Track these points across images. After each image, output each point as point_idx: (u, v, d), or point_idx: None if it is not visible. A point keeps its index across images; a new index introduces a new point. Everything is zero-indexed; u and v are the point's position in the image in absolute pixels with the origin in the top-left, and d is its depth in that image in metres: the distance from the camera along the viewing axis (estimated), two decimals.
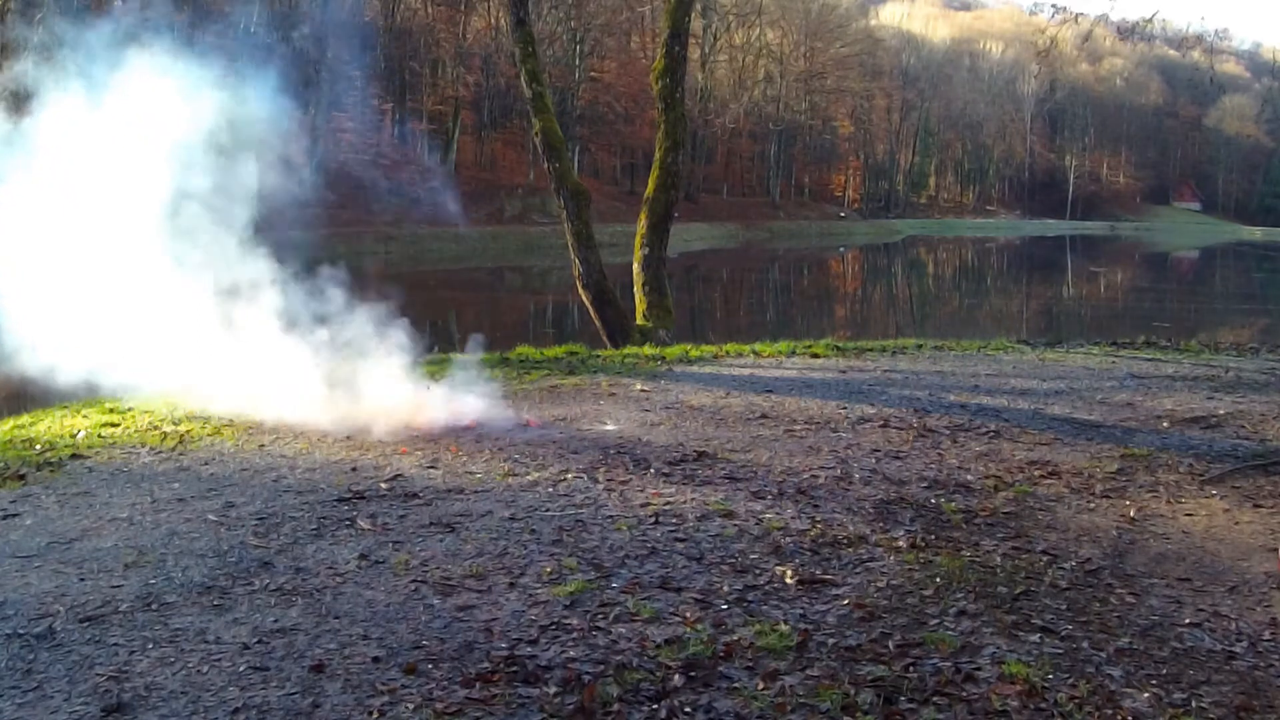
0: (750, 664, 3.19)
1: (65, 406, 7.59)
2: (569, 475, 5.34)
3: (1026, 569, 4.02)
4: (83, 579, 3.92)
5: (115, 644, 3.34)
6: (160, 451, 5.98)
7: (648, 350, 10.30)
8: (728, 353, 10.18)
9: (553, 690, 3.02)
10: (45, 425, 6.81)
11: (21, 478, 5.40)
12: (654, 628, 3.45)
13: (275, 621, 3.51)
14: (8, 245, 6.36)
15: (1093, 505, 4.92)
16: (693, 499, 4.91)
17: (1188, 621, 3.55)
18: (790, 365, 9.41)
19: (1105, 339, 11.79)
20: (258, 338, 6.71)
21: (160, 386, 7.03)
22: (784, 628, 3.43)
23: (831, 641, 3.35)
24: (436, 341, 7.61)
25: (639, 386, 8.01)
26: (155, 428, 6.61)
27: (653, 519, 4.60)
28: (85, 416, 7.04)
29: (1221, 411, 7.14)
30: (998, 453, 5.94)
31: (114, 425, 6.72)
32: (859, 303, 32.25)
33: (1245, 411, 7.17)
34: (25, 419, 7.19)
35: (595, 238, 12.20)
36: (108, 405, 7.41)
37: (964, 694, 3.00)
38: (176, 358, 6.82)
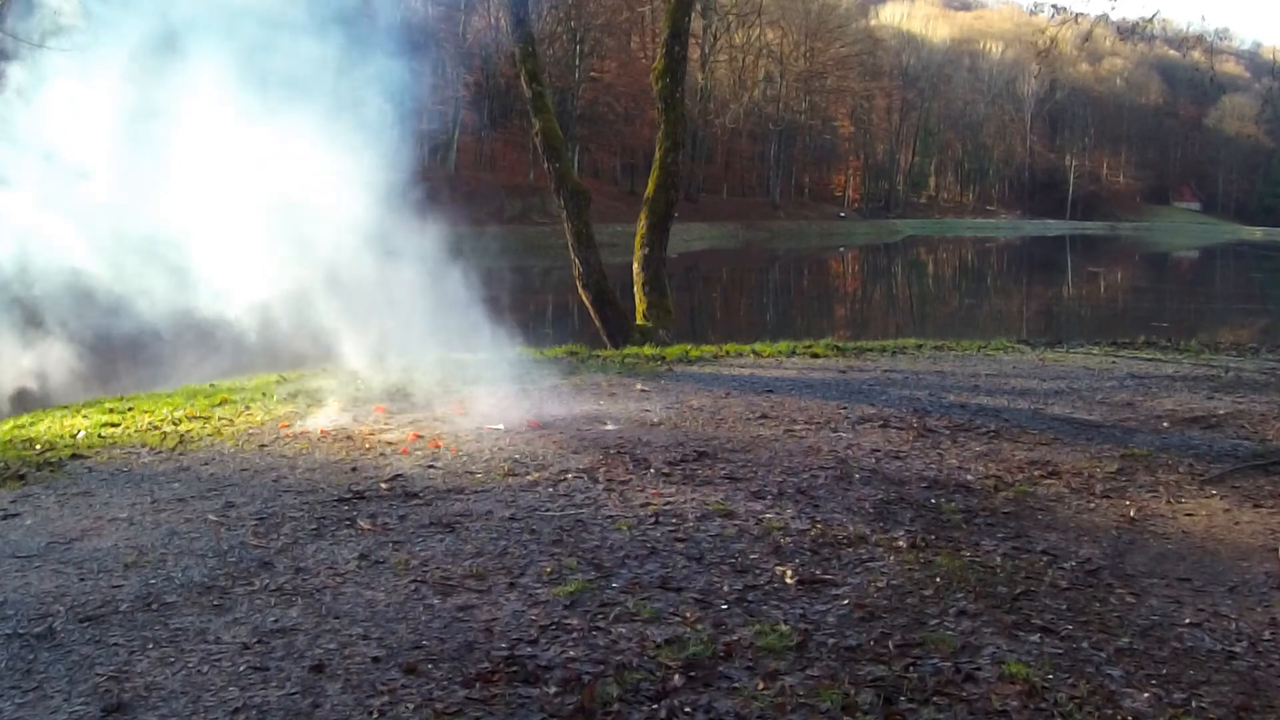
0: (750, 664, 3.19)
1: (65, 406, 7.59)
2: (569, 475, 5.34)
3: (1026, 569, 4.02)
4: (83, 579, 3.92)
5: (115, 644, 3.34)
6: (160, 451, 5.98)
7: (648, 350, 10.30)
8: (728, 353, 10.18)
9: (553, 690, 3.02)
10: (45, 425, 6.81)
11: (21, 478, 5.40)
12: (654, 628, 3.45)
13: (275, 621, 3.51)
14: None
15: (1093, 505, 4.92)
16: (693, 499, 4.91)
17: (1188, 621, 3.55)
18: (790, 365, 9.41)
19: (1105, 339, 11.79)
20: None
21: None
22: (784, 628, 3.43)
23: (831, 641, 3.35)
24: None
25: (639, 386, 8.01)
26: (155, 428, 6.62)
27: (653, 519, 4.60)
28: (85, 416, 7.04)
29: (1221, 411, 7.14)
30: (998, 453, 5.94)
31: (114, 425, 6.72)
32: (859, 303, 32.24)
33: (1245, 411, 7.17)
34: (25, 419, 7.19)
35: (595, 238, 12.20)
36: (108, 405, 7.41)
37: (964, 694, 3.00)
38: None
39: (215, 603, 3.68)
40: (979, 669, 3.15)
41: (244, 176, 6.48)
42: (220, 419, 6.87)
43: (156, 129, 6.44)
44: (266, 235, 6.58)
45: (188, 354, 8.11)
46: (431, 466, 5.54)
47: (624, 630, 3.43)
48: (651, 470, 5.45)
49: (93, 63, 6.35)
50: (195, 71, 6.43)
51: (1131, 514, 4.77)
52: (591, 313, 12.18)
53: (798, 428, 6.54)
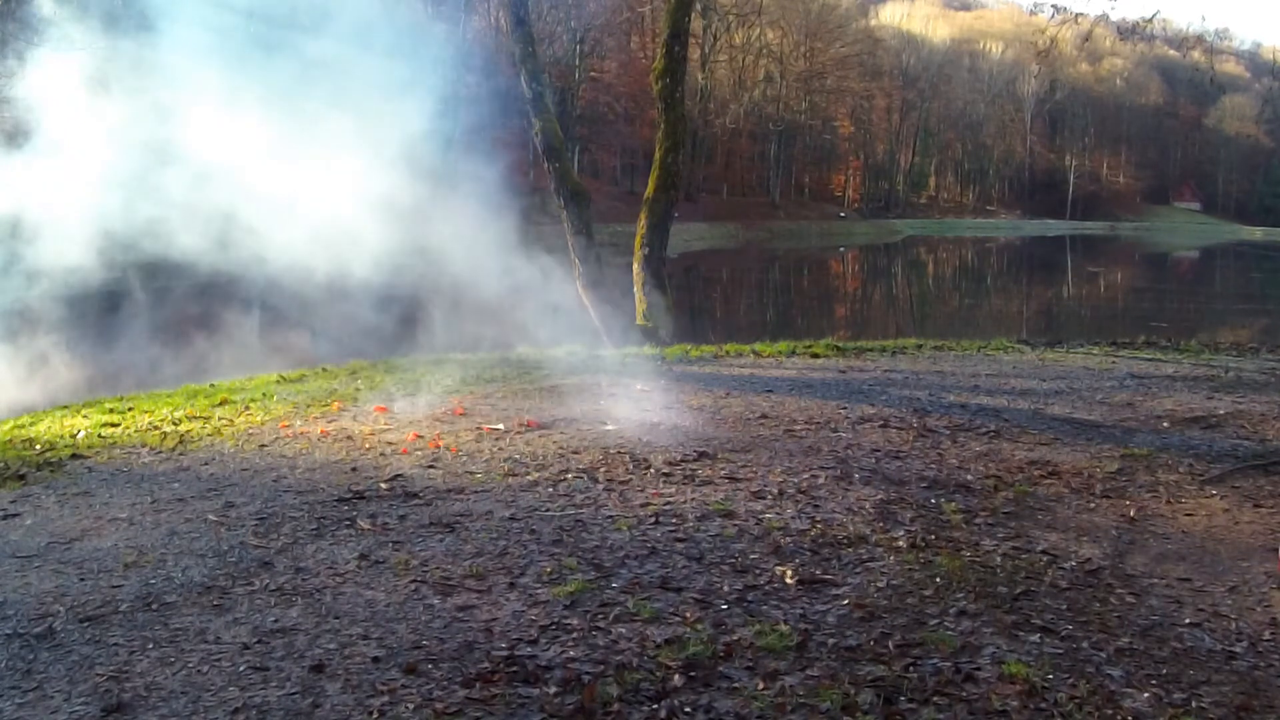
0: (750, 664, 3.19)
1: (65, 406, 7.59)
2: (569, 475, 5.34)
3: (1026, 569, 4.02)
4: (83, 579, 3.92)
5: (115, 644, 3.34)
6: (160, 451, 5.97)
7: (648, 350, 10.30)
8: (728, 353, 10.19)
9: (553, 690, 3.02)
10: (45, 425, 6.81)
11: (21, 478, 5.39)
12: (654, 628, 3.45)
13: (275, 621, 3.51)
14: None
15: (1093, 505, 4.92)
16: (693, 499, 4.91)
17: (1188, 621, 3.55)
18: (790, 365, 9.41)
19: (1105, 339, 11.79)
20: None
21: None
22: (784, 628, 3.43)
23: (831, 641, 3.35)
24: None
25: (639, 386, 8.01)
26: (155, 428, 6.62)
27: (653, 519, 4.59)
28: (85, 416, 7.04)
29: (1221, 411, 7.13)
30: (998, 453, 5.94)
31: (114, 425, 6.72)
32: (859, 303, 32.22)
33: (1245, 411, 7.17)
34: (25, 419, 7.19)
35: (595, 238, 12.21)
36: (108, 405, 7.41)
37: (964, 694, 3.00)
38: None
39: (215, 603, 3.68)
40: (979, 669, 3.15)
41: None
42: (220, 419, 6.87)
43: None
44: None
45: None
46: (431, 466, 5.54)
47: (624, 630, 3.43)
48: (651, 470, 5.45)
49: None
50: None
51: (1131, 514, 4.77)
52: (591, 312, 12.18)
53: (798, 428, 6.54)
